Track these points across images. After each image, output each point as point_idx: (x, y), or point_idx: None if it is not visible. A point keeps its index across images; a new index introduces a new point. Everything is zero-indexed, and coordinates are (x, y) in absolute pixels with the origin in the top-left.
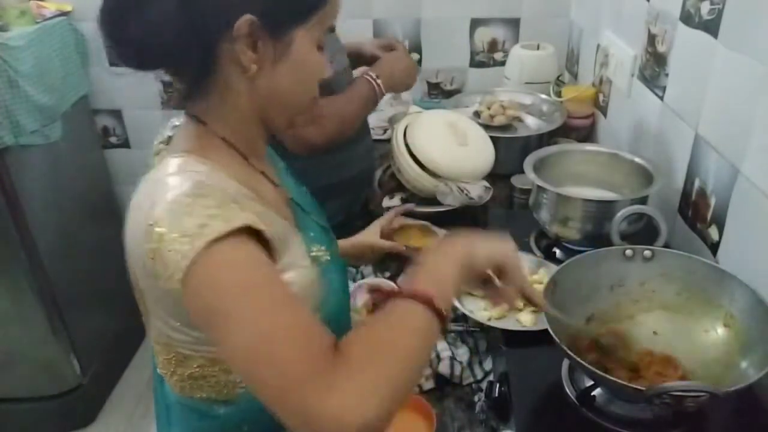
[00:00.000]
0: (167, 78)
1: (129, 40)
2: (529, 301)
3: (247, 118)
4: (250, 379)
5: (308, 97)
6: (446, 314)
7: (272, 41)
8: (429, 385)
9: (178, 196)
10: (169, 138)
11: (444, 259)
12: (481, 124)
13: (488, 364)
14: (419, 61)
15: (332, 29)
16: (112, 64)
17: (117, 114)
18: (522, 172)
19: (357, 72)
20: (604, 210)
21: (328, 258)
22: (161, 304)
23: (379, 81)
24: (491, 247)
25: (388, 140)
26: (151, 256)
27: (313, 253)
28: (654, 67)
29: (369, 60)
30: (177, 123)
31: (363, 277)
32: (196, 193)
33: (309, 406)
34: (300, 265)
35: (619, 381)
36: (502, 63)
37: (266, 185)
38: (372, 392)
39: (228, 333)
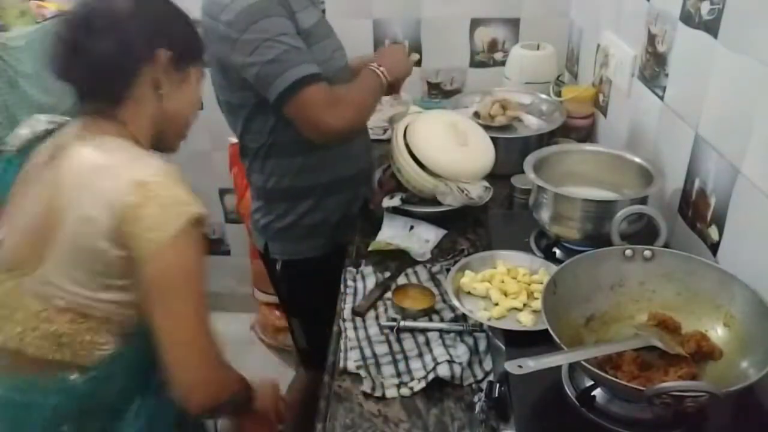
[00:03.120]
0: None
1: (73, 79)
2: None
3: (145, 124)
4: (166, 344)
5: (190, 119)
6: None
7: (177, 72)
8: (420, 386)
9: (166, 167)
10: (46, 131)
11: None
12: (481, 124)
13: (488, 364)
14: (419, 62)
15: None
16: None
17: None
18: (522, 172)
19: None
20: (604, 210)
21: None
22: (84, 253)
23: (382, 69)
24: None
25: (388, 140)
26: (134, 207)
27: None
28: (654, 67)
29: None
30: (51, 120)
31: (363, 277)
32: (174, 170)
33: (199, 376)
34: None
35: (619, 381)
36: (502, 63)
37: None
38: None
39: (171, 306)
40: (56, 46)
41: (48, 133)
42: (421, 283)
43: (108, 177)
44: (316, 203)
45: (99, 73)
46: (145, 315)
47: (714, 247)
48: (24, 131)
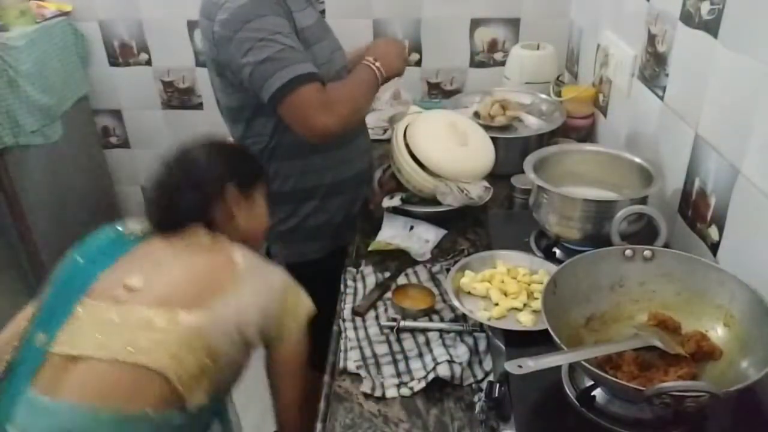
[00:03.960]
0: (167, 78)
1: (172, 220)
2: None
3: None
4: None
5: (264, 229)
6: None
7: (244, 197)
8: (420, 386)
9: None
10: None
11: None
12: (481, 125)
13: (488, 364)
14: (419, 62)
15: None
16: (112, 64)
17: (117, 114)
18: (522, 172)
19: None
20: (604, 210)
21: None
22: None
23: (378, 64)
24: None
25: (388, 140)
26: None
27: None
28: (654, 67)
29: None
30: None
31: (363, 277)
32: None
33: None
34: None
35: (619, 381)
36: (502, 63)
37: None
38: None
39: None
40: (154, 203)
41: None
42: (421, 283)
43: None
44: (320, 205)
45: (184, 219)
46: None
47: (714, 247)
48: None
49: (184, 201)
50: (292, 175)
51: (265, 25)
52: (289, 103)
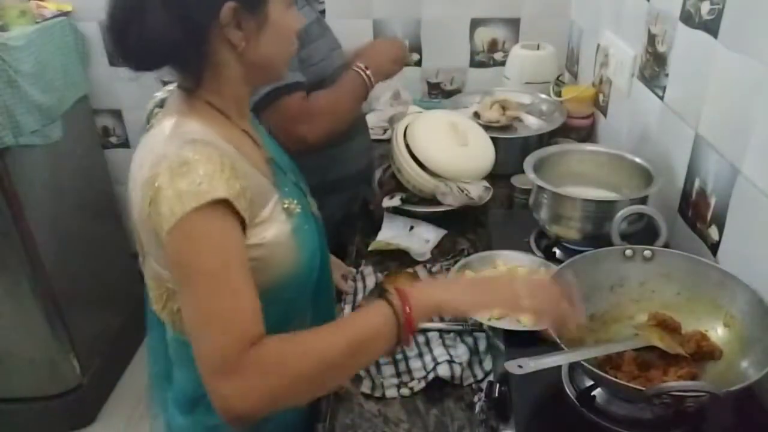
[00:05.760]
0: (167, 78)
1: (131, 47)
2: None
3: (238, 86)
4: (190, 338)
5: (291, 50)
6: (410, 325)
7: (253, 17)
8: (420, 386)
9: (177, 157)
10: (162, 100)
11: (473, 287)
12: (481, 125)
13: (488, 364)
14: (419, 62)
15: None
16: (112, 64)
17: (117, 114)
18: (522, 172)
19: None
20: (604, 210)
21: (299, 210)
22: (153, 244)
23: (368, 72)
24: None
25: (388, 140)
26: (149, 202)
27: (285, 206)
28: (654, 67)
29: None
30: (170, 87)
31: (363, 277)
32: (192, 157)
33: (212, 386)
34: (276, 219)
35: (619, 381)
36: (502, 63)
37: (249, 144)
38: (260, 394)
39: (183, 293)
40: (111, 30)
41: (163, 102)
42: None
43: (136, 174)
44: (319, 203)
45: (158, 53)
46: None
47: (714, 247)
48: (149, 104)
49: (149, 25)
50: None
51: None
52: (270, 112)
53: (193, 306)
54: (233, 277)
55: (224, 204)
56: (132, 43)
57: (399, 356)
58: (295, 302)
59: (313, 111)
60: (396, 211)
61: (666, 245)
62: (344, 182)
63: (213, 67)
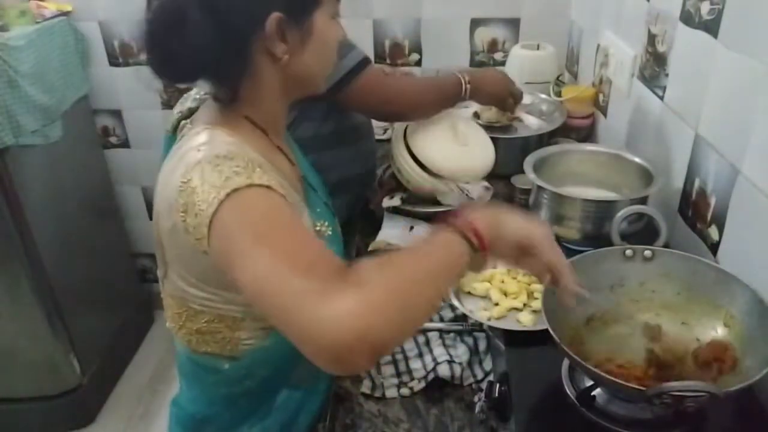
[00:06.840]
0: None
1: (168, 58)
2: (555, 282)
3: (275, 100)
4: (264, 310)
5: (332, 62)
6: (485, 244)
7: (298, 28)
8: (420, 386)
9: (208, 156)
10: (190, 110)
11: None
12: (481, 125)
13: (488, 364)
14: (419, 62)
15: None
16: (112, 64)
17: (117, 114)
18: (522, 172)
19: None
20: (604, 210)
21: (330, 233)
22: (183, 259)
23: (467, 79)
24: (521, 223)
25: (388, 140)
26: (183, 210)
27: (317, 228)
28: (654, 67)
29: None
30: (197, 96)
31: None
32: (225, 156)
33: (309, 313)
34: None
35: (619, 381)
36: (502, 63)
37: (283, 160)
38: (379, 304)
39: (244, 269)
40: (148, 38)
41: (191, 112)
42: None
43: (165, 185)
44: None
45: (198, 64)
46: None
47: (714, 247)
48: (176, 110)
49: (189, 34)
50: None
51: None
52: (353, 89)
53: (267, 264)
54: (300, 230)
55: (267, 188)
56: (170, 53)
57: (399, 356)
58: None
59: (403, 91)
60: (396, 211)
61: (666, 245)
62: (355, 182)
63: (251, 78)
